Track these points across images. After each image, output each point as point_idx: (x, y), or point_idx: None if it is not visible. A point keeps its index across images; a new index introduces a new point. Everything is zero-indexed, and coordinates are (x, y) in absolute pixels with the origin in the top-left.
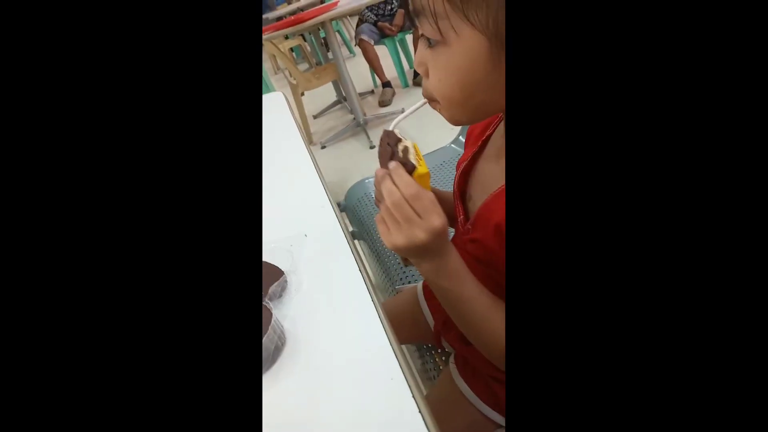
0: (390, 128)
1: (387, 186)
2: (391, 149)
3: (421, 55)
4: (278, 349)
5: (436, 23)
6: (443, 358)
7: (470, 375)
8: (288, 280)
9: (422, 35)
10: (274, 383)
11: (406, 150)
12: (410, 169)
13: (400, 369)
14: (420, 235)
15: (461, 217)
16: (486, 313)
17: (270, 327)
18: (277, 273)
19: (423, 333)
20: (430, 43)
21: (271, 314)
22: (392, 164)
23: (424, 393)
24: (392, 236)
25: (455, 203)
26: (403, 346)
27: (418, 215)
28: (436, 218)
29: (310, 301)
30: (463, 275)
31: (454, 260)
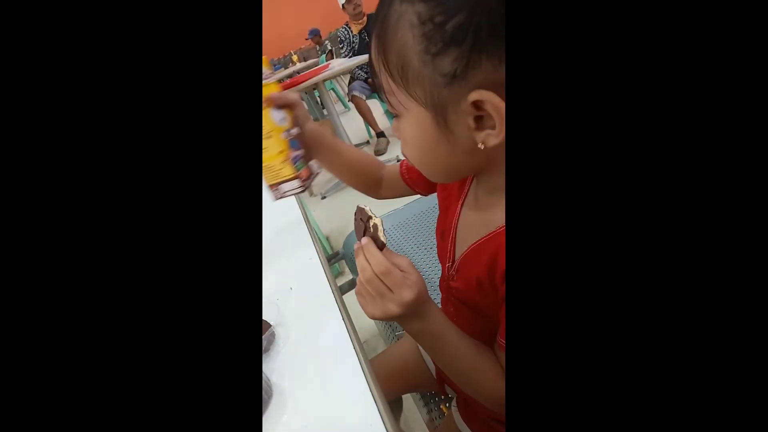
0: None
1: (360, 262)
2: (363, 224)
3: (395, 123)
4: (264, 403)
5: (389, 100)
6: (447, 404)
7: (471, 417)
8: (275, 333)
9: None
10: None
11: (375, 227)
12: (380, 245)
13: (379, 416)
14: (393, 308)
15: (449, 263)
16: (474, 365)
17: None
18: (265, 326)
19: (425, 380)
20: (393, 115)
21: None
22: (364, 240)
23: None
24: (369, 308)
25: (446, 245)
26: (408, 395)
27: (390, 290)
28: (407, 292)
29: (297, 354)
30: (445, 334)
31: (436, 321)
